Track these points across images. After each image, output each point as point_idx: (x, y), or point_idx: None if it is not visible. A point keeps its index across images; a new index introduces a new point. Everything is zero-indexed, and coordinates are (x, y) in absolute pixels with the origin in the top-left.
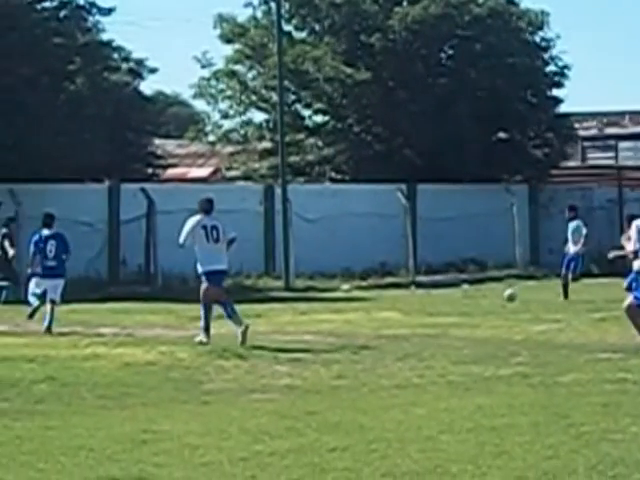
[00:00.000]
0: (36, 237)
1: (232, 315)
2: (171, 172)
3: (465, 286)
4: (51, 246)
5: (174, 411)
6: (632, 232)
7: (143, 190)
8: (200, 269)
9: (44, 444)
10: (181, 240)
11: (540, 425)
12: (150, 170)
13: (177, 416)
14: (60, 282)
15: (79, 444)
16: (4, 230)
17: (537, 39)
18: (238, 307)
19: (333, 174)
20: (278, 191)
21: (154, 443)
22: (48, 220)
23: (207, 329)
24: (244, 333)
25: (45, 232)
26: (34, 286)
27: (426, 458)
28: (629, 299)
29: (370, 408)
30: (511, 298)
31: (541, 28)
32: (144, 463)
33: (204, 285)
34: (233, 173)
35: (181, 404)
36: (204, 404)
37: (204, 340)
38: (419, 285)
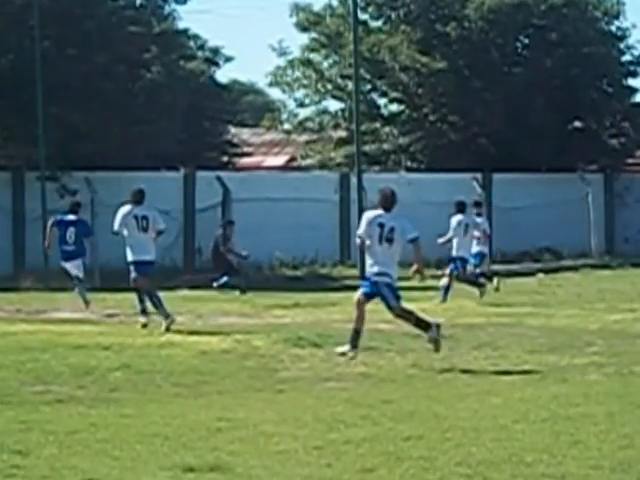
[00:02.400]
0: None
1: (158, 307)
2: (246, 160)
3: (540, 275)
4: (70, 233)
5: (249, 399)
6: None
7: (219, 178)
8: (129, 258)
9: (119, 432)
10: (115, 227)
11: (615, 414)
12: (225, 158)
13: (252, 404)
14: (79, 261)
15: (154, 432)
16: (219, 231)
17: (613, 28)
18: (314, 296)
19: (408, 163)
20: (353, 180)
21: (229, 431)
22: (75, 207)
23: (152, 311)
24: (168, 326)
25: (69, 217)
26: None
27: (501, 447)
28: None
29: (445, 397)
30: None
31: (617, 17)
32: (219, 451)
33: (132, 275)
34: (308, 162)
35: (256, 392)
36: (279, 392)
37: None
38: (494, 274)
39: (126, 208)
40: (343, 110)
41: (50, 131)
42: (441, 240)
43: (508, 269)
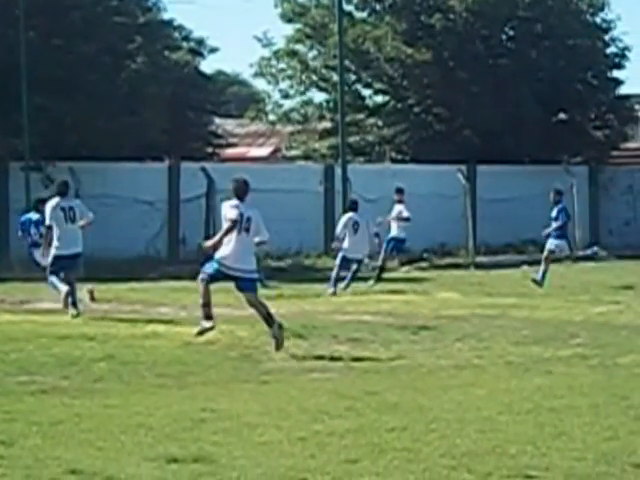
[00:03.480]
0: (26, 217)
1: (75, 301)
2: (231, 151)
3: (524, 267)
4: (35, 231)
5: (233, 390)
6: None
7: (203, 169)
8: (54, 251)
9: (103, 422)
10: (47, 222)
11: (599, 406)
12: (210, 149)
13: (236, 395)
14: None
15: (138, 422)
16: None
17: (598, 20)
18: (298, 287)
19: (393, 154)
20: (338, 171)
21: (213, 422)
22: (38, 204)
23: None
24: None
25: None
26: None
27: (485, 439)
28: None
29: (429, 388)
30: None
31: (602, 9)
32: (203, 442)
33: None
34: (293, 153)
35: (240, 383)
36: (263, 383)
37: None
38: (478, 266)
39: (53, 201)
40: (328, 101)
41: (35, 121)
42: (334, 244)
43: (492, 261)
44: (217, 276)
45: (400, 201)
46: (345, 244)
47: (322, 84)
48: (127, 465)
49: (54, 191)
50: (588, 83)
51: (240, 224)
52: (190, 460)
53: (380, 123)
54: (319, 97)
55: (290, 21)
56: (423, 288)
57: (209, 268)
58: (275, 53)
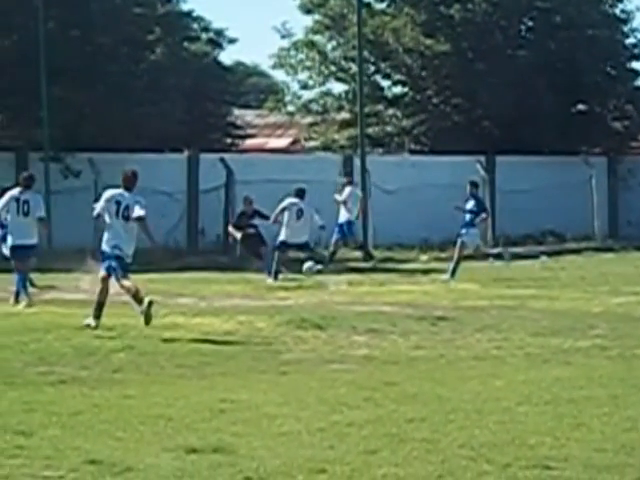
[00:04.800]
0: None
1: (23, 291)
2: (250, 142)
3: (543, 258)
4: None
5: (252, 381)
6: None
7: (222, 160)
8: (9, 241)
9: (122, 413)
10: None
11: (618, 397)
12: (229, 140)
13: (255, 386)
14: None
15: (157, 413)
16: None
17: (617, 11)
18: (316, 277)
19: (412, 145)
20: (357, 162)
21: (232, 412)
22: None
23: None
24: (26, 305)
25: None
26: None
27: (504, 430)
28: None
29: (448, 379)
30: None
31: (621, 0)
32: (222, 432)
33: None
34: (312, 144)
35: (259, 374)
36: (282, 374)
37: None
38: (497, 257)
39: (11, 192)
40: (347, 92)
41: (54, 112)
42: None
43: (511, 252)
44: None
45: (350, 183)
46: (286, 230)
47: (341, 75)
48: (146, 455)
49: (20, 182)
50: (607, 74)
51: (118, 212)
52: (209, 450)
53: (399, 114)
54: (338, 88)
55: (309, 12)
56: (442, 279)
57: (112, 262)
58: (294, 44)
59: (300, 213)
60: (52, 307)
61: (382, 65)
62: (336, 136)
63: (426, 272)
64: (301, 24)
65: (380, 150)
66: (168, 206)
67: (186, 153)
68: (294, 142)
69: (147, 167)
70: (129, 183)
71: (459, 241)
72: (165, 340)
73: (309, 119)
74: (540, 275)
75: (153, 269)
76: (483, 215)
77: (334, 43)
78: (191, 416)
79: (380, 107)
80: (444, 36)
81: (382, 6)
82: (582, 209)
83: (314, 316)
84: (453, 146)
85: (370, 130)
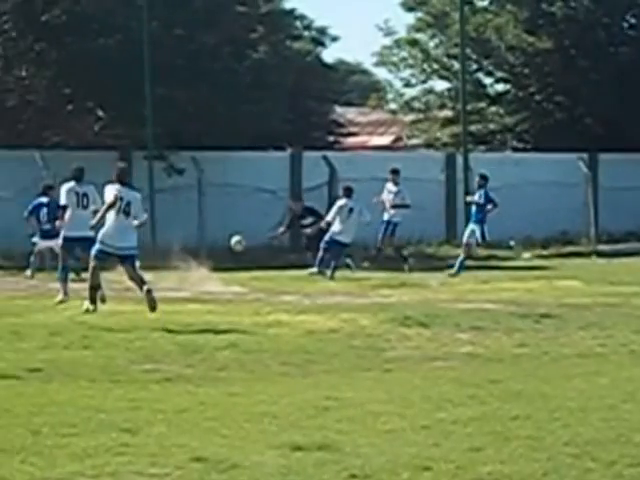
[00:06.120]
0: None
1: (64, 281)
2: (352, 140)
3: None
4: (44, 213)
5: (356, 378)
6: None
7: (325, 158)
8: (64, 232)
9: (228, 410)
10: (61, 202)
11: None
12: (331, 138)
13: (360, 383)
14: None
15: (262, 411)
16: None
17: None
18: (420, 275)
19: (514, 143)
20: (459, 159)
21: (337, 410)
22: (46, 190)
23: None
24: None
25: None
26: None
27: (609, 427)
28: None
29: (552, 377)
30: (239, 243)
31: None
32: (327, 430)
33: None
34: (414, 141)
35: (363, 371)
36: (386, 372)
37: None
38: (600, 254)
39: (68, 185)
40: (449, 90)
41: (158, 111)
42: (322, 224)
43: (614, 249)
44: (100, 256)
45: (395, 182)
46: (336, 228)
47: (443, 72)
48: (251, 453)
49: (69, 176)
50: None
51: (120, 206)
52: (314, 448)
53: (501, 111)
54: (440, 85)
55: (411, 10)
56: (545, 276)
57: (93, 250)
58: (397, 42)
59: (351, 212)
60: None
61: (484, 62)
62: (438, 134)
63: (529, 269)
64: (403, 22)
65: (482, 148)
66: (271, 204)
67: (289, 151)
68: (396, 140)
69: (250, 165)
70: (124, 177)
71: (472, 240)
72: (269, 338)
73: (411, 117)
74: None
75: (256, 267)
76: (489, 207)
77: (436, 41)
78: (296, 414)
79: (482, 104)
80: (546, 33)
81: (484, 3)
82: None
83: (418, 313)
84: (555, 143)
85: (472, 127)
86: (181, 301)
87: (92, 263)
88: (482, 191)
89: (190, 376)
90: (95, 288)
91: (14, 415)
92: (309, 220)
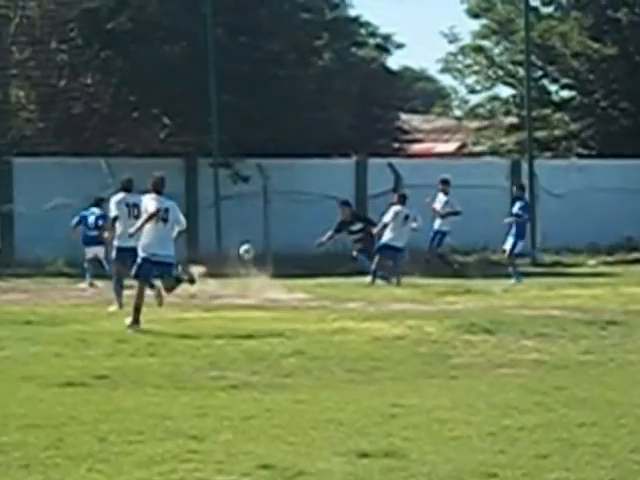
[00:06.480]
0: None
1: (119, 291)
2: (417, 147)
3: None
4: (91, 221)
5: (422, 385)
6: None
7: (390, 165)
8: (116, 242)
9: (294, 417)
10: (112, 214)
11: None
12: (396, 145)
13: (425, 390)
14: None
15: (328, 418)
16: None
17: None
18: (485, 282)
19: (580, 149)
20: (525, 166)
21: (403, 417)
22: (98, 202)
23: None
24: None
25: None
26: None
27: None
28: None
29: (618, 383)
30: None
31: None
32: (393, 437)
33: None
34: (479, 148)
35: (429, 378)
36: (452, 378)
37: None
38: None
39: (119, 196)
40: (514, 96)
41: (223, 118)
42: (375, 230)
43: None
44: (144, 271)
45: (445, 192)
46: (389, 234)
47: (508, 79)
48: (318, 460)
49: (119, 187)
50: None
51: (158, 215)
52: (381, 455)
53: (566, 118)
54: (505, 92)
55: (476, 17)
56: (610, 283)
57: (135, 266)
58: (461, 49)
59: (406, 219)
60: (223, 312)
61: (549, 69)
62: (503, 140)
63: (594, 276)
64: (468, 29)
65: (548, 154)
66: (336, 211)
67: (354, 158)
68: (461, 147)
69: (316, 172)
70: (159, 187)
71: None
72: (335, 345)
73: (476, 123)
74: None
75: (322, 274)
76: (525, 216)
77: (501, 47)
78: (362, 421)
79: (548, 111)
80: (611, 40)
81: (549, 10)
82: None
83: (483, 320)
84: (621, 150)
85: (538, 134)
86: (246, 308)
87: (139, 284)
88: (521, 203)
89: (256, 383)
90: (139, 310)
91: (81, 422)
92: (358, 226)
